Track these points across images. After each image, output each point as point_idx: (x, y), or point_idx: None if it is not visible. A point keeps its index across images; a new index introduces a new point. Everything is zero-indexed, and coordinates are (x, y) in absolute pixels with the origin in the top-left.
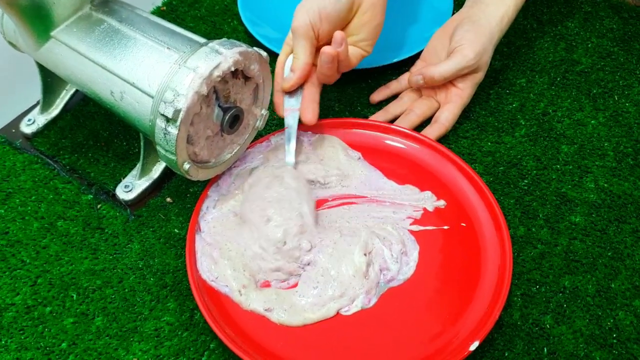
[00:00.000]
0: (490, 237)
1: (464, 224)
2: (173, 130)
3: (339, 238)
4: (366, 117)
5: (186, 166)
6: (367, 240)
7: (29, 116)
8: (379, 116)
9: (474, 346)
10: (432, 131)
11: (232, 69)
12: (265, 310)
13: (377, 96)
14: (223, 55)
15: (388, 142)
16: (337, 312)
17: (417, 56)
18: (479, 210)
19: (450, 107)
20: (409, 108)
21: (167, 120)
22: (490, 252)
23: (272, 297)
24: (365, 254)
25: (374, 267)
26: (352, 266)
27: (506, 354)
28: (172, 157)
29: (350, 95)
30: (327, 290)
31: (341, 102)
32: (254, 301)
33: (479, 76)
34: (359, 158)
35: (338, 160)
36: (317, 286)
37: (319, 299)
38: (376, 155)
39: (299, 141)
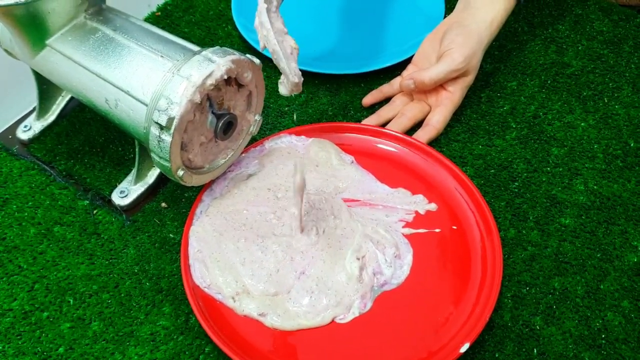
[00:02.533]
0: (481, 239)
1: (455, 227)
2: (167, 137)
3: (332, 242)
4: (359, 121)
5: (180, 172)
6: (360, 244)
7: (25, 122)
8: (371, 120)
9: (464, 348)
10: (424, 134)
11: (225, 77)
12: (259, 315)
13: (369, 100)
14: (216, 63)
15: (380, 146)
16: (333, 320)
17: (408, 60)
18: (470, 213)
19: (441, 110)
20: (400, 111)
21: (161, 128)
22: (480, 254)
23: (265, 303)
24: (358, 258)
25: (367, 271)
26: (345, 273)
27: (497, 355)
28: (166, 164)
29: (343, 99)
30: (322, 299)
31: (334, 106)
32: (247, 307)
33: (469, 79)
34: (352, 162)
35: (331, 165)
36: (311, 296)
37: (313, 308)
38: (369, 159)
39: (292, 146)
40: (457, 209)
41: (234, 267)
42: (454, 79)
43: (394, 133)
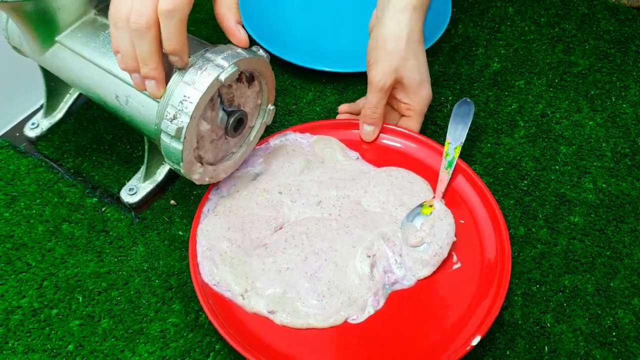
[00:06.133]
0: (489, 234)
1: (462, 221)
2: (178, 146)
3: (343, 239)
4: None
5: (196, 176)
6: (372, 241)
7: (33, 120)
8: (344, 107)
9: (475, 341)
10: None
11: (236, 76)
12: (269, 312)
13: (344, 108)
14: (224, 70)
15: (385, 141)
16: (345, 321)
17: None
18: (477, 208)
19: (405, 121)
20: None
21: (171, 137)
22: (489, 248)
23: (275, 300)
24: (369, 256)
25: (378, 269)
26: (356, 274)
27: (508, 353)
28: (178, 167)
29: (350, 97)
30: (334, 302)
31: (325, 100)
32: (257, 304)
33: (409, 82)
34: (357, 158)
35: (337, 161)
36: (322, 299)
37: (323, 310)
38: (374, 155)
39: (297, 143)
40: (464, 203)
41: (246, 264)
42: (395, 90)
43: (398, 129)
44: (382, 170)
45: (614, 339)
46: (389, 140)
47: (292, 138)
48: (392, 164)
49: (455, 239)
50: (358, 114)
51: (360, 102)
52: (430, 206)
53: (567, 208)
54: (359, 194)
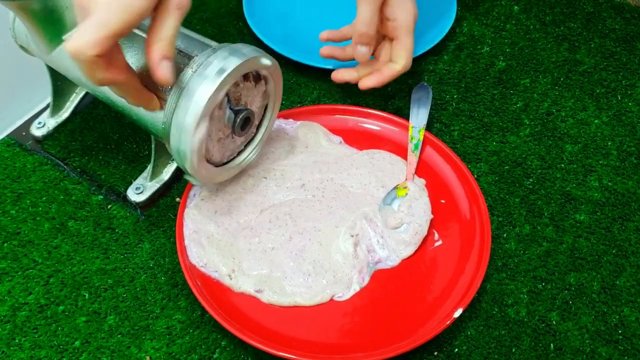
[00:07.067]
0: (468, 211)
1: (443, 201)
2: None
3: (326, 219)
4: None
5: (206, 177)
6: (355, 221)
7: (39, 119)
8: (325, 33)
9: (457, 313)
10: (389, 70)
11: (236, 79)
12: (256, 291)
13: (325, 35)
14: (222, 76)
15: (366, 125)
16: (331, 299)
17: (420, 57)
18: (456, 187)
19: (396, 45)
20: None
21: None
22: (469, 225)
23: (262, 280)
24: (352, 235)
25: (361, 247)
26: (340, 254)
27: (513, 350)
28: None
29: (355, 95)
30: (320, 281)
31: (347, 103)
32: (244, 284)
33: None
34: (340, 142)
35: (320, 145)
36: (307, 278)
37: (309, 289)
38: (357, 139)
39: (281, 129)
40: (444, 183)
41: (233, 245)
42: (385, 7)
43: (378, 113)
44: (364, 152)
45: (620, 337)
46: (369, 125)
47: (276, 124)
48: (375, 147)
49: (432, 216)
50: (339, 41)
51: (344, 29)
52: (405, 187)
53: (572, 206)
54: (342, 177)
